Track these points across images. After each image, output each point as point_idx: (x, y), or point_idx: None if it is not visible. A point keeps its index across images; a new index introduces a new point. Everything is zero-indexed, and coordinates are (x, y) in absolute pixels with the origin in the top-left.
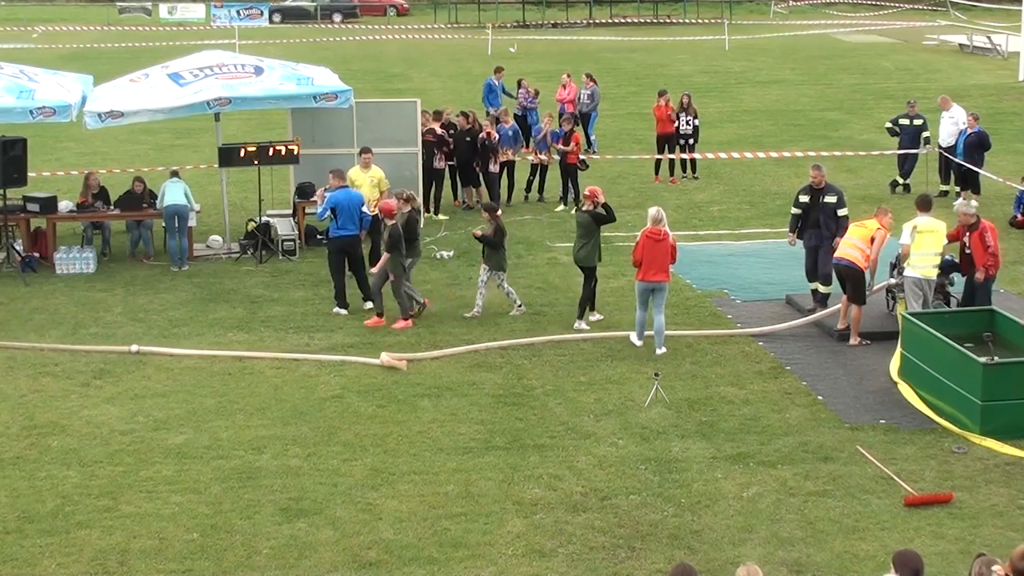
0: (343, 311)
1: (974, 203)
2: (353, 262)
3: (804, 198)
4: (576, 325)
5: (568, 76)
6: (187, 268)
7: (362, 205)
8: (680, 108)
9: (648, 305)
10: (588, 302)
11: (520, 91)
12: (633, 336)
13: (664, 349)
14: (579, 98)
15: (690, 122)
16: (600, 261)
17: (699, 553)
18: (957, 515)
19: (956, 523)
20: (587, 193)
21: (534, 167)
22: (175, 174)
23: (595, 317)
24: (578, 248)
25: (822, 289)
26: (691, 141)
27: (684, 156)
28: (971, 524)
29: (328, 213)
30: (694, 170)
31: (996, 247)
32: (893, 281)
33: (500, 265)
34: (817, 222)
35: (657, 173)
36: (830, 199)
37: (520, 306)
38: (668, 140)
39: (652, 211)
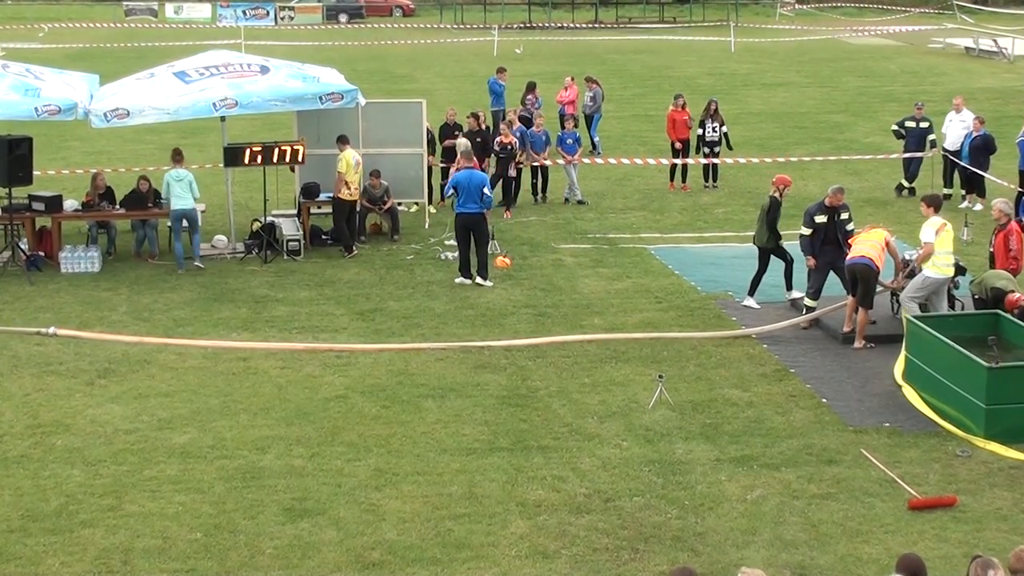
0: (466, 280)
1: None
2: (477, 237)
3: (821, 218)
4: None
5: (571, 79)
6: (193, 267)
7: (483, 186)
8: (706, 114)
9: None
10: (755, 284)
11: (529, 97)
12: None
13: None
14: (583, 100)
15: (716, 129)
16: (771, 243)
17: (702, 555)
18: (961, 519)
19: (960, 527)
20: (775, 180)
21: (534, 169)
22: (178, 160)
23: (752, 301)
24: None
25: (810, 303)
26: (716, 149)
27: (704, 161)
28: (975, 528)
29: (452, 191)
30: (715, 179)
31: (1019, 251)
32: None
33: None
34: (835, 239)
35: (672, 180)
36: (845, 215)
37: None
38: (684, 146)
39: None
